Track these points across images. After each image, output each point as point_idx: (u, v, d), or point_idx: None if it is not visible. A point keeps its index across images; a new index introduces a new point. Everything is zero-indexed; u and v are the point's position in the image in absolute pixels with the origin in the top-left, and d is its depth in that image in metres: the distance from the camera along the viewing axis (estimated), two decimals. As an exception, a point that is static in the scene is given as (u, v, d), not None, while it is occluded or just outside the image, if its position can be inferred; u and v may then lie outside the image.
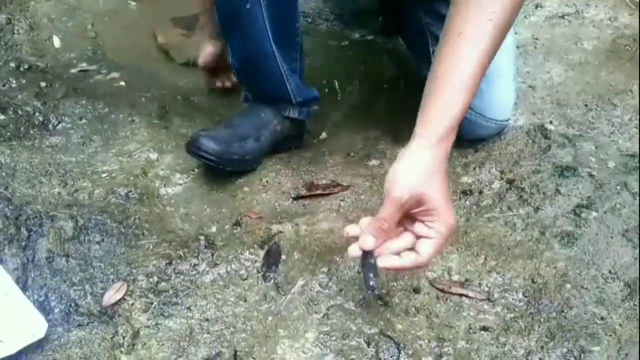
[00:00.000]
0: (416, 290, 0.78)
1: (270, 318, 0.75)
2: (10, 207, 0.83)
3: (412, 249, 0.63)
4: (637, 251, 0.82)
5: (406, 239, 0.63)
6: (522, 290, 0.78)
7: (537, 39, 1.26)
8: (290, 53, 0.96)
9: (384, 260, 0.61)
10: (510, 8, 0.64)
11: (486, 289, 0.79)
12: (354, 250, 0.62)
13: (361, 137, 1.07)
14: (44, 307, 0.72)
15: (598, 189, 0.91)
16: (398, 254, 0.63)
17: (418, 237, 0.62)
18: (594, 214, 0.88)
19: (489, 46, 0.64)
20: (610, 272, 0.80)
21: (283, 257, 0.81)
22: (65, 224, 0.82)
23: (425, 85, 0.66)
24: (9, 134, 1.00)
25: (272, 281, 0.79)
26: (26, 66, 1.17)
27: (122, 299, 0.75)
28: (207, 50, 1.09)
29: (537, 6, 1.35)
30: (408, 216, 0.62)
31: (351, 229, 0.64)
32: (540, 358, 0.71)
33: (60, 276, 0.76)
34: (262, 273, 0.80)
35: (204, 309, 0.75)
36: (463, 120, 0.94)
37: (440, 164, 0.62)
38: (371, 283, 0.60)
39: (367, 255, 0.61)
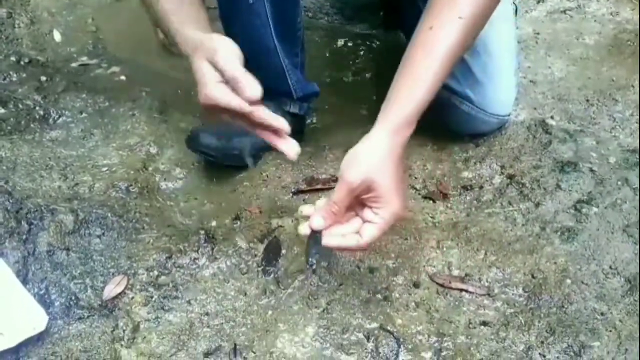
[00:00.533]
0: (416, 285, 0.78)
1: (270, 312, 0.74)
2: (10, 201, 0.82)
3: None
4: (638, 247, 0.81)
5: (354, 224, 0.65)
6: (522, 285, 0.78)
7: (538, 33, 1.25)
8: (292, 48, 0.94)
9: (328, 239, 0.63)
10: (482, 8, 0.66)
11: (486, 284, 0.78)
12: (304, 229, 0.64)
13: (361, 132, 1.03)
14: (44, 301, 0.72)
15: (599, 185, 0.90)
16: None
17: (365, 222, 0.64)
18: (595, 209, 0.87)
19: (457, 43, 0.65)
20: (610, 267, 0.80)
21: (283, 251, 0.80)
22: (65, 217, 0.81)
23: (395, 74, 0.68)
24: (9, 127, 0.99)
25: (272, 275, 0.78)
26: (27, 60, 1.16)
27: (123, 292, 0.74)
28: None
29: (538, 1, 1.33)
30: (359, 202, 0.64)
31: (305, 209, 0.66)
32: (540, 353, 0.70)
33: (60, 269, 0.76)
34: (262, 267, 0.79)
35: (204, 302, 0.75)
36: (459, 114, 0.94)
37: (394, 153, 0.63)
38: (311, 259, 0.63)
39: (314, 234, 0.63)
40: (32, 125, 1.00)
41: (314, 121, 1.09)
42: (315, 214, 0.64)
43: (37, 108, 1.03)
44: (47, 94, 1.06)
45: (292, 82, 0.95)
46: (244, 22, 0.88)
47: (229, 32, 0.94)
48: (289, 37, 0.92)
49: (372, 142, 0.64)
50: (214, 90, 0.61)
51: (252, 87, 0.60)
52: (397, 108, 0.65)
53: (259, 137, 0.65)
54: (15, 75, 1.11)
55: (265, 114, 0.62)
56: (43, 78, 1.11)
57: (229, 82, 0.61)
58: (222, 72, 0.60)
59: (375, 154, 0.63)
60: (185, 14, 0.70)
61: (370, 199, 0.63)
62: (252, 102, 0.60)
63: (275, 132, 0.63)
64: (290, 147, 0.64)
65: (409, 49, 0.68)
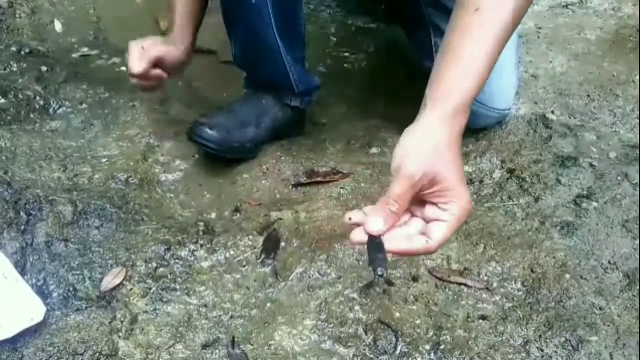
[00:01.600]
0: (415, 279, 0.76)
1: (268, 304, 0.73)
2: (9, 191, 0.81)
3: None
4: (637, 242, 0.80)
5: (416, 224, 0.54)
6: (521, 279, 0.76)
7: (540, 28, 1.22)
8: (294, 43, 0.93)
9: (392, 243, 0.52)
10: None
11: (485, 278, 0.77)
12: (358, 235, 0.53)
13: (362, 125, 1.04)
14: (42, 291, 0.70)
15: (599, 179, 0.89)
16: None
17: (429, 221, 0.54)
18: (594, 204, 0.85)
19: (509, 22, 0.58)
20: (609, 262, 0.78)
21: (282, 244, 0.79)
22: (64, 208, 0.80)
23: (436, 59, 0.59)
24: (9, 117, 0.97)
25: (270, 268, 0.77)
26: (27, 50, 1.13)
27: (121, 284, 0.73)
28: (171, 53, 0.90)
29: (540, -5, 1.31)
30: (416, 199, 0.54)
31: (354, 215, 0.54)
32: (538, 347, 0.69)
33: (58, 260, 0.74)
34: (260, 260, 0.77)
35: (202, 294, 0.73)
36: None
37: (455, 140, 0.54)
38: (379, 270, 0.51)
39: (373, 239, 0.52)
40: (32, 115, 0.99)
41: (314, 113, 1.07)
42: (372, 216, 0.53)
43: (37, 98, 1.01)
44: (47, 85, 1.04)
45: (293, 77, 0.93)
46: (247, 22, 0.86)
47: (231, 31, 0.92)
48: (291, 33, 0.90)
49: (427, 130, 0.54)
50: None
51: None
52: (451, 93, 0.55)
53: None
54: (15, 65, 1.08)
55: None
56: (43, 68, 1.08)
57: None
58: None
59: (433, 142, 0.53)
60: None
61: (434, 193, 0.53)
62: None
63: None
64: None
65: (452, 33, 0.59)
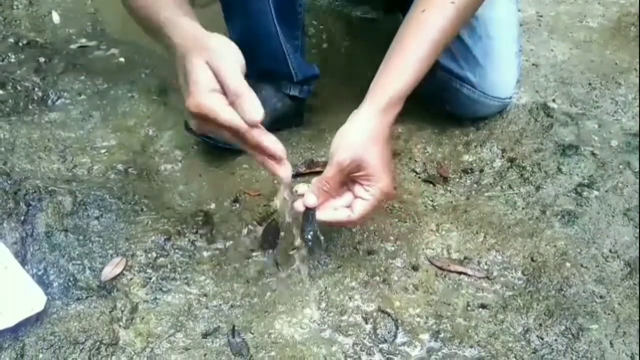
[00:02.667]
0: (415, 268, 0.75)
1: (268, 294, 0.72)
2: (9, 182, 0.80)
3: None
4: (638, 230, 0.79)
5: (346, 198, 0.65)
6: (522, 268, 0.76)
7: (541, 16, 1.20)
8: (293, 31, 0.91)
9: (321, 213, 0.64)
10: None
11: (485, 267, 0.76)
12: (299, 206, 0.64)
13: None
14: (42, 281, 0.70)
15: (600, 168, 0.88)
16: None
17: (356, 197, 0.65)
18: (596, 192, 0.84)
19: (448, 27, 0.66)
20: (610, 251, 0.77)
21: (282, 233, 0.78)
22: (64, 199, 0.79)
23: (386, 54, 0.67)
24: (8, 109, 0.96)
25: (270, 257, 0.76)
26: (25, 41, 1.12)
27: (121, 273, 0.72)
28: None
29: (542, -17, 1.29)
30: (350, 178, 0.64)
31: (300, 187, 0.68)
32: (538, 336, 0.69)
33: (59, 251, 0.73)
34: (260, 249, 0.77)
35: (203, 284, 0.73)
36: (460, 97, 0.92)
37: (382, 132, 0.63)
38: (307, 236, 0.64)
39: (308, 211, 0.64)
40: (30, 106, 0.98)
41: (313, 104, 1.06)
42: (308, 192, 0.64)
43: (35, 89, 1.00)
44: (45, 76, 1.03)
45: (292, 65, 0.92)
46: (246, 8, 0.84)
47: (229, 17, 0.90)
48: (289, 20, 0.89)
49: (360, 122, 0.64)
50: (207, 99, 0.51)
51: (255, 108, 0.51)
52: (385, 88, 0.65)
53: (249, 155, 0.57)
54: (13, 56, 1.07)
55: (263, 137, 0.53)
56: (42, 59, 1.07)
57: (227, 94, 0.51)
58: (223, 82, 0.51)
59: (364, 134, 0.63)
60: (177, 5, 0.60)
61: (360, 177, 0.63)
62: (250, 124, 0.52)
63: (268, 155, 0.56)
64: (286, 172, 0.58)
65: (401, 31, 0.68)
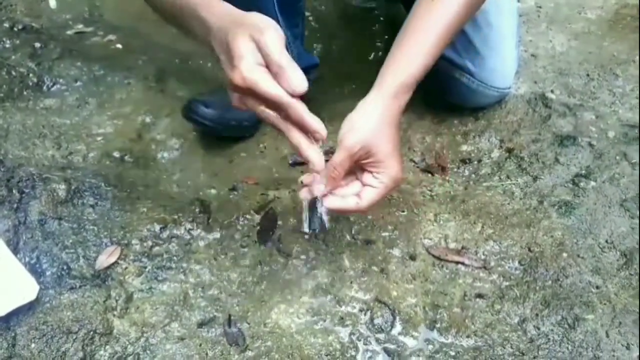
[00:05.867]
0: (412, 257, 0.72)
1: (265, 283, 0.69)
2: (2, 169, 0.76)
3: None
4: (634, 221, 0.76)
5: (354, 186, 0.62)
6: (519, 258, 0.73)
7: (540, 7, 1.16)
8: (293, 19, 0.87)
9: (328, 201, 0.60)
10: None
11: (482, 257, 0.73)
12: (305, 194, 0.61)
13: (360, 104, 0.99)
14: (35, 270, 0.66)
15: (597, 159, 0.84)
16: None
17: (364, 185, 0.61)
18: (593, 183, 0.81)
19: (458, 16, 0.63)
20: (607, 241, 0.74)
21: (279, 222, 0.75)
22: (58, 186, 0.75)
23: (395, 40, 0.64)
24: (2, 95, 0.91)
25: (267, 246, 0.73)
26: (20, 26, 1.06)
27: (116, 262, 0.69)
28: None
29: (541, -26, 1.24)
30: (359, 166, 0.61)
31: (306, 178, 0.62)
32: (534, 325, 0.66)
33: (52, 239, 0.70)
34: (257, 238, 0.73)
35: (199, 273, 0.69)
36: (459, 87, 0.88)
37: (393, 118, 0.60)
38: (314, 225, 0.61)
39: (315, 199, 0.61)
40: (25, 92, 0.93)
41: (312, 93, 1.02)
42: (316, 180, 0.60)
43: (30, 75, 0.95)
44: (41, 62, 0.98)
45: (293, 54, 0.87)
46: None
47: (230, 4, 0.86)
48: (290, 8, 0.85)
49: (369, 107, 0.60)
50: (253, 72, 0.50)
51: (299, 78, 0.50)
52: (396, 73, 0.61)
53: (284, 134, 0.53)
54: (8, 41, 1.02)
55: (304, 111, 0.52)
56: (37, 45, 1.02)
57: (270, 68, 0.50)
58: (266, 55, 0.50)
59: (374, 119, 0.59)
60: None
61: (369, 164, 0.60)
62: (293, 95, 0.51)
63: (307, 133, 0.53)
64: (317, 158, 0.54)
65: (410, 18, 0.64)
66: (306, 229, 0.61)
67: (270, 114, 0.53)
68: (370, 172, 0.60)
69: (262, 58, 0.50)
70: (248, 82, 0.50)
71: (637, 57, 1.03)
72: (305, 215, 0.61)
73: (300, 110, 0.52)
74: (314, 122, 0.53)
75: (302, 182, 0.62)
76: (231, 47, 0.50)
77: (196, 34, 0.57)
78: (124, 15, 1.15)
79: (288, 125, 0.53)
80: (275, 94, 0.50)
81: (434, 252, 0.73)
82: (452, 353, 0.63)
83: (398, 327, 0.65)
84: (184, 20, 0.59)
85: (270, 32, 0.50)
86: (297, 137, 0.53)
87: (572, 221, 0.77)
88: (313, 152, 0.54)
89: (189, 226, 0.74)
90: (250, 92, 0.51)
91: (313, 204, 0.61)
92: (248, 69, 0.50)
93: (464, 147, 0.88)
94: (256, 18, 0.52)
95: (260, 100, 0.52)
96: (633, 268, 0.71)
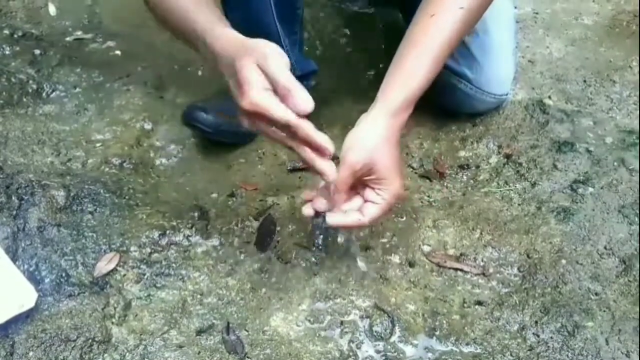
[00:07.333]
0: (411, 264, 0.72)
1: (263, 290, 0.69)
2: (1, 176, 0.76)
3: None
4: (633, 227, 0.76)
5: (356, 202, 0.63)
6: (518, 265, 0.73)
7: (537, 13, 1.17)
8: (292, 26, 0.87)
9: (330, 217, 0.61)
10: (482, 1, 0.65)
11: (481, 263, 0.73)
12: (308, 210, 0.62)
13: (358, 110, 0.97)
14: (34, 277, 0.66)
15: (595, 165, 0.85)
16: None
17: (366, 201, 0.62)
18: (591, 189, 0.81)
19: (457, 31, 0.64)
20: (605, 248, 0.74)
21: (278, 228, 0.75)
22: (57, 193, 0.75)
23: (394, 56, 0.65)
24: (1, 101, 0.91)
25: (266, 253, 0.72)
26: (20, 33, 1.07)
27: (114, 269, 0.68)
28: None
29: (537, -20, 1.25)
30: (360, 182, 0.62)
31: (307, 194, 0.64)
32: (534, 333, 0.66)
33: (51, 246, 0.69)
34: (256, 245, 0.73)
35: (197, 280, 0.69)
36: (457, 93, 0.89)
37: (394, 135, 0.62)
38: (317, 240, 0.63)
39: (318, 215, 0.62)
40: (24, 99, 0.93)
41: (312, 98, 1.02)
42: (318, 196, 0.62)
43: (30, 82, 0.95)
44: (40, 68, 0.98)
45: (292, 61, 0.87)
46: (246, 6, 0.80)
47: (229, 11, 0.86)
48: (289, 16, 0.85)
49: (372, 124, 0.61)
50: (261, 98, 0.52)
51: (305, 100, 0.52)
52: (397, 91, 0.62)
53: (295, 151, 0.56)
54: (8, 48, 1.02)
55: (312, 130, 0.55)
56: (37, 52, 1.02)
57: (277, 91, 0.53)
58: (272, 79, 0.53)
59: (376, 137, 0.60)
60: (211, 12, 0.62)
61: (371, 180, 0.61)
62: (299, 116, 0.53)
63: (316, 149, 0.56)
64: (330, 169, 0.56)
65: (410, 34, 0.65)
66: (312, 244, 0.64)
67: (280, 134, 0.56)
68: (372, 188, 0.61)
69: (269, 83, 0.53)
70: (257, 107, 0.53)
71: (634, 63, 1.03)
72: (310, 230, 0.63)
73: (307, 129, 0.54)
74: (321, 140, 0.55)
75: (303, 198, 0.64)
76: (239, 75, 0.53)
77: (205, 58, 0.61)
78: (123, 21, 1.16)
79: (297, 143, 0.56)
80: (283, 116, 0.53)
81: (432, 259, 0.73)
82: (452, 360, 0.63)
83: (397, 335, 0.65)
84: (191, 43, 0.63)
85: (275, 57, 0.53)
86: (307, 153, 0.56)
87: (571, 227, 0.77)
88: (325, 165, 0.56)
89: (187, 233, 0.74)
90: (259, 116, 0.54)
91: (316, 219, 0.62)
92: (256, 95, 0.52)
93: (462, 153, 0.88)
94: (261, 44, 0.55)
95: (269, 122, 0.54)
96: (632, 274, 0.71)
